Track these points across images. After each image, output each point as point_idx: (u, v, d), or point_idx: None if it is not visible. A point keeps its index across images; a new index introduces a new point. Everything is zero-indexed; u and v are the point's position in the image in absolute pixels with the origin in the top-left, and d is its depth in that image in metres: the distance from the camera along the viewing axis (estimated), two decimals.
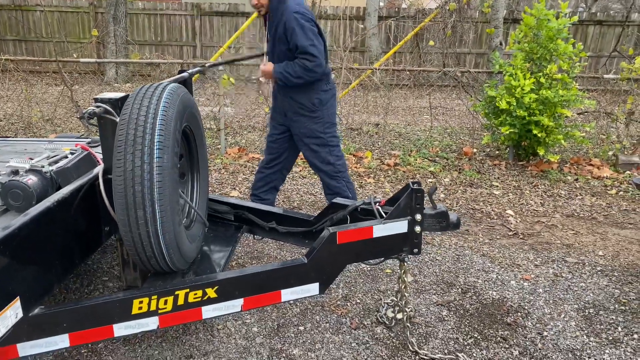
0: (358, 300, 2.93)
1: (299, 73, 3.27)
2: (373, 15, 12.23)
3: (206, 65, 3.71)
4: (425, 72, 6.86)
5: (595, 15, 13.21)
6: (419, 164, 5.62)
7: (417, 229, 2.33)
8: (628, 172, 5.44)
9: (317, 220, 2.75)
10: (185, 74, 2.95)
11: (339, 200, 2.76)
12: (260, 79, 3.48)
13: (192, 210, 2.53)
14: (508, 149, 5.80)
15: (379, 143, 6.56)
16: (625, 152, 5.72)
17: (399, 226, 2.32)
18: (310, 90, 3.41)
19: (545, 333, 2.68)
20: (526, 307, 2.91)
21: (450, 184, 5.07)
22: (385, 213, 2.45)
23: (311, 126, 3.48)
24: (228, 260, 2.60)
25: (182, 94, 2.24)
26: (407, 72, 6.29)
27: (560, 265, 3.43)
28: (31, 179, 2.19)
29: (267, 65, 3.37)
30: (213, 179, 5.00)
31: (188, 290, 2.01)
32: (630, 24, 12.25)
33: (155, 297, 1.97)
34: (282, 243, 3.55)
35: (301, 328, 2.66)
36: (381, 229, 2.29)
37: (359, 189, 4.88)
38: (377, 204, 2.56)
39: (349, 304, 2.90)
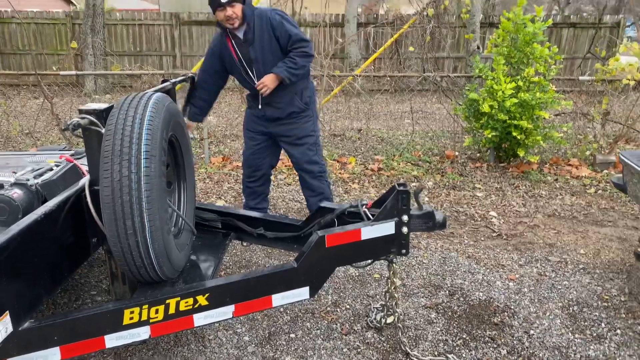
0: (348, 306, 2.95)
1: (301, 62, 3.30)
2: (352, 22, 12.34)
3: (189, 74, 3.71)
4: (405, 77, 6.93)
5: (568, 18, 13.51)
6: (402, 168, 5.67)
7: (405, 229, 2.37)
8: (605, 171, 5.57)
9: (305, 224, 2.77)
10: (168, 84, 2.96)
11: (325, 204, 2.78)
12: (265, 90, 3.34)
13: (180, 219, 2.53)
14: (489, 151, 5.89)
15: (362, 148, 6.61)
16: (602, 152, 5.84)
17: (387, 227, 2.35)
18: (301, 90, 3.47)
19: (531, 332, 2.73)
20: (512, 307, 2.96)
21: (434, 187, 5.13)
22: (373, 215, 2.48)
23: (304, 125, 3.53)
24: (217, 267, 2.60)
25: (167, 103, 2.25)
26: (388, 78, 6.36)
27: (543, 265, 3.49)
28: (16, 193, 2.17)
29: (268, 77, 3.29)
30: (198, 188, 4.98)
31: (179, 298, 2.01)
32: (603, 26, 12.56)
33: (146, 306, 1.96)
34: (270, 252, 3.57)
35: (292, 335, 2.66)
36: (369, 231, 2.32)
37: (344, 195, 4.91)
38: (364, 206, 2.58)
39: (338, 309, 2.91)
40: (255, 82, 3.36)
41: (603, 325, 2.78)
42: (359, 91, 6.73)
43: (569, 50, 12.73)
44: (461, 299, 3.05)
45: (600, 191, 5.03)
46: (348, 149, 6.57)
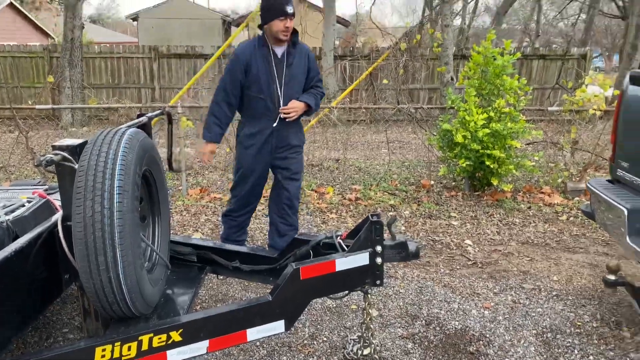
0: (325, 338, 2.94)
1: (319, 101, 3.51)
2: (329, 55, 12.56)
3: (165, 108, 3.74)
4: (380, 109, 7.08)
5: (538, 50, 14.01)
6: (379, 198, 5.73)
7: (379, 260, 2.39)
8: (577, 198, 5.70)
9: (281, 256, 2.78)
10: (144, 118, 2.97)
11: (301, 235, 2.80)
12: (293, 116, 3.40)
13: (154, 253, 2.52)
14: (464, 180, 6.00)
15: (340, 178, 6.66)
16: (573, 180, 5.99)
17: (361, 258, 2.37)
18: (300, 126, 3.57)
19: None
20: (487, 335, 2.98)
21: (410, 216, 5.19)
22: (347, 246, 2.50)
23: (301, 161, 3.62)
24: (192, 302, 2.58)
25: (141, 138, 2.26)
26: (364, 110, 6.48)
27: (518, 292, 3.54)
28: None
29: (299, 104, 3.38)
30: (175, 221, 4.95)
31: (152, 334, 1.99)
32: (570, 58, 13.05)
33: (119, 343, 1.94)
34: (247, 285, 3.55)
35: None
36: (343, 262, 2.34)
37: (322, 225, 4.93)
38: (339, 237, 2.61)
39: (315, 342, 2.90)
40: (281, 102, 3.38)
41: (576, 351, 2.82)
42: (335, 122, 6.83)
43: (539, 81, 13.14)
44: (437, 328, 3.06)
45: (572, 218, 5.14)
46: (326, 179, 6.62)
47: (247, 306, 2.19)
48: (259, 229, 4.82)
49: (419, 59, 11.07)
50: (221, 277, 3.17)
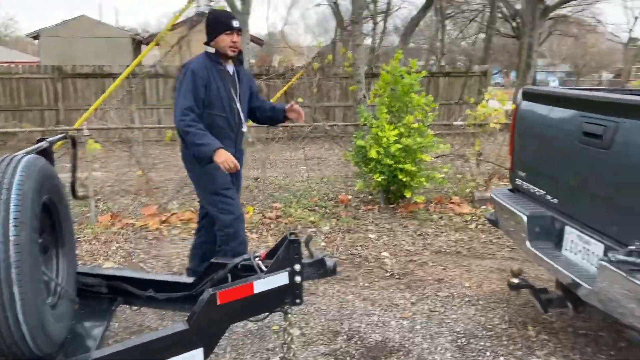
0: None
1: None
2: None
3: (68, 132, 3.54)
4: (296, 126, 7.16)
5: (444, 67, 14.90)
6: (299, 215, 5.75)
7: (298, 279, 2.39)
8: (483, 207, 6.04)
9: (198, 282, 2.70)
10: (44, 143, 2.79)
11: (217, 259, 2.74)
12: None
13: (59, 287, 2.36)
14: (379, 193, 6.17)
15: (260, 197, 6.62)
16: (479, 189, 6.35)
17: (280, 278, 2.36)
18: None
19: None
20: (407, 345, 3.06)
21: (330, 231, 5.25)
22: (267, 266, 2.48)
23: None
24: (103, 336, 2.44)
25: (40, 164, 2.13)
26: (281, 128, 6.51)
27: (433, 301, 3.67)
28: None
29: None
30: (83, 250, 4.67)
31: None
32: (472, 75, 13.98)
33: None
34: (164, 313, 3.41)
35: None
36: (262, 284, 2.31)
37: None
38: (257, 258, 2.58)
39: None
40: (243, 118, 3.38)
41: (488, 353, 2.97)
42: (253, 141, 6.80)
43: (446, 97, 13.90)
44: (359, 342, 3.10)
45: (480, 226, 5.44)
46: (246, 198, 6.54)
47: (162, 336, 2.11)
48: (175, 254, 4.66)
49: (332, 77, 11.34)
50: (135, 308, 3.02)
